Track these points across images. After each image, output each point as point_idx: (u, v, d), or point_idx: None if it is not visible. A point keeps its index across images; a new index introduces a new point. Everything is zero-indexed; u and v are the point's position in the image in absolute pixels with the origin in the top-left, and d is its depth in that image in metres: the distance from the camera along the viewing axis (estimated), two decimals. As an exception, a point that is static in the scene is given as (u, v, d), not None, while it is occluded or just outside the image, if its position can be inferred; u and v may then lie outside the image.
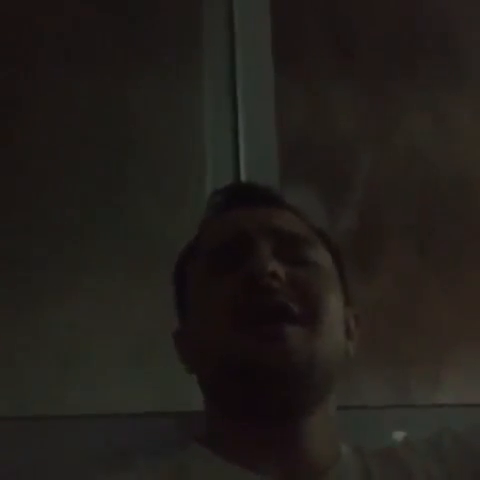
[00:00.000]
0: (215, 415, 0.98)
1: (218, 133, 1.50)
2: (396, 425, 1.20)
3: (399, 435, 1.10)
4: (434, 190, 1.69)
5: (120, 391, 1.30)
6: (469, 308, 1.63)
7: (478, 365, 1.59)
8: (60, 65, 1.43)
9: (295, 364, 0.89)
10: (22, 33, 1.43)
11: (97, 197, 1.40)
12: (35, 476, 1.13)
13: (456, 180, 1.71)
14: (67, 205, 1.38)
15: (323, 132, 1.61)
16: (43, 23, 1.44)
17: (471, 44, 1.80)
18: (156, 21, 1.53)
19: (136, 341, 1.34)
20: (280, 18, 1.58)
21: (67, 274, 1.34)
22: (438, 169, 1.70)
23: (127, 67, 1.47)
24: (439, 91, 1.74)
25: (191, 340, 1.00)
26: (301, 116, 1.59)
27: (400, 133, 1.68)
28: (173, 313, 1.07)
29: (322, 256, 1.01)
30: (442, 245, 1.65)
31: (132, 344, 1.33)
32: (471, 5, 1.82)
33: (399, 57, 1.73)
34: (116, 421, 1.23)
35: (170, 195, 1.45)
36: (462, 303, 1.62)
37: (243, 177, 1.46)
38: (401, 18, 1.75)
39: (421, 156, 1.70)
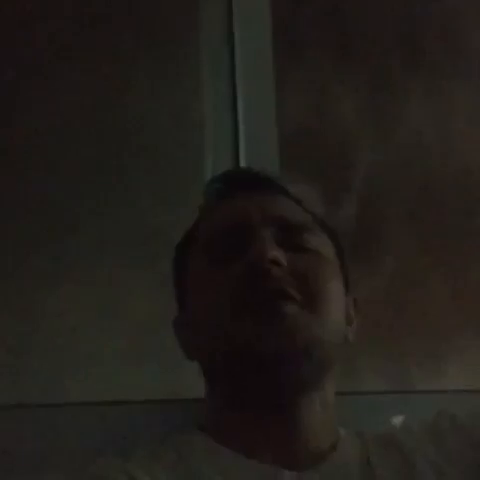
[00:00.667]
0: (216, 401, 0.98)
1: (218, 127, 1.50)
2: (395, 411, 1.20)
3: (398, 419, 1.10)
4: (435, 179, 1.69)
5: (120, 378, 1.30)
6: (470, 296, 1.63)
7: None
8: (58, 59, 1.42)
9: (295, 343, 0.90)
10: (20, 24, 1.42)
11: (94, 187, 1.40)
12: (34, 463, 1.14)
13: (456, 169, 1.71)
14: (66, 198, 1.38)
15: (323, 123, 1.61)
16: (42, 14, 1.43)
17: (473, 38, 1.79)
18: (154, 12, 1.52)
19: (136, 328, 1.34)
20: (280, 10, 1.57)
21: (66, 263, 1.34)
22: (439, 159, 1.70)
23: (125, 58, 1.47)
24: (440, 84, 1.74)
25: (192, 326, 1.00)
26: (301, 108, 1.59)
27: (401, 128, 1.68)
28: (173, 300, 1.07)
29: (322, 243, 1.01)
30: (443, 233, 1.65)
31: (132, 331, 1.34)
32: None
33: (400, 51, 1.73)
34: (116, 408, 1.23)
35: (169, 189, 1.45)
36: (463, 291, 1.62)
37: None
38: (402, 11, 1.75)
39: (421, 150, 1.70)
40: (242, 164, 1.46)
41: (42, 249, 1.34)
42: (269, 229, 0.97)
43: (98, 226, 1.38)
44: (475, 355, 1.59)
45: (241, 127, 1.48)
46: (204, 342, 0.97)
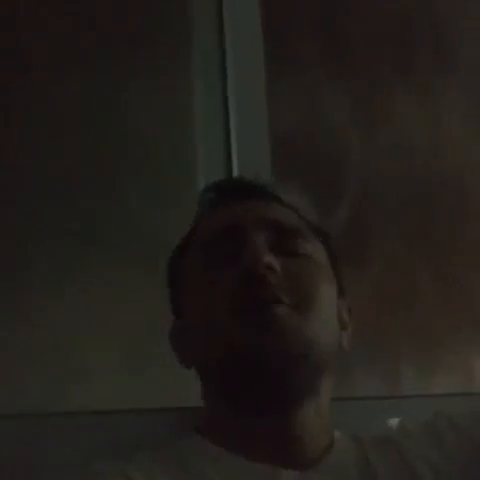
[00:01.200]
0: (213, 405, 0.99)
1: (209, 133, 1.51)
2: (390, 416, 1.21)
3: (394, 421, 1.11)
4: (427, 187, 1.70)
5: (117, 387, 1.31)
6: (461, 298, 1.64)
7: (472, 353, 1.60)
8: (53, 66, 1.43)
9: (291, 346, 0.91)
10: (18, 32, 1.43)
11: (90, 195, 1.41)
12: (33, 472, 1.14)
13: (447, 169, 1.71)
14: (61, 204, 1.38)
15: (315, 127, 1.61)
16: (37, 24, 1.44)
17: (464, 39, 1.80)
18: (146, 17, 1.53)
19: (133, 337, 1.34)
20: (270, 14, 1.58)
21: (63, 271, 1.34)
22: (431, 166, 1.71)
23: (118, 65, 1.48)
24: (431, 86, 1.74)
25: (188, 333, 1.01)
26: (293, 111, 1.59)
27: (393, 130, 1.69)
28: (169, 310, 1.08)
29: (314, 248, 1.02)
30: (433, 235, 1.66)
31: (129, 340, 1.34)
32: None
33: (391, 52, 1.73)
34: (114, 417, 1.23)
35: (162, 195, 1.45)
36: (454, 293, 1.63)
37: (235, 174, 1.46)
38: (393, 12, 1.76)
39: (414, 153, 1.70)
40: (234, 169, 1.46)
41: (42, 260, 1.34)
42: (263, 233, 0.98)
43: (96, 238, 1.38)
44: (467, 358, 1.60)
45: (233, 132, 1.49)
46: (200, 346, 0.98)
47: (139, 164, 1.45)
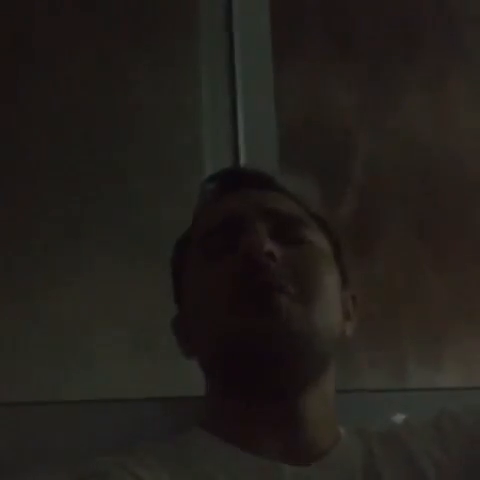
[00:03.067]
0: (215, 397, 0.98)
1: (216, 119, 1.50)
2: (396, 409, 1.20)
3: (399, 417, 1.10)
4: (433, 173, 1.69)
5: (120, 377, 1.31)
6: (469, 292, 1.63)
7: (478, 347, 1.59)
8: (58, 54, 1.42)
9: (292, 333, 0.90)
10: (19, 18, 1.42)
11: (95, 184, 1.40)
12: (34, 462, 1.14)
13: (454, 161, 1.70)
14: (66, 192, 1.38)
15: (322, 116, 1.61)
16: (40, 15, 1.43)
17: (471, 30, 1.79)
18: (151, 10, 1.52)
19: (136, 326, 1.34)
20: (278, 3, 1.57)
21: (67, 260, 1.34)
22: (436, 153, 1.70)
23: (125, 51, 1.47)
24: (438, 74, 1.73)
25: (189, 323, 1.00)
26: (300, 99, 1.59)
27: (399, 117, 1.68)
28: (172, 300, 1.08)
29: (317, 236, 1.01)
30: (442, 225, 1.65)
31: (132, 330, 1.34)
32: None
33: (399, 41, 1.72)
34: (116, 407, 1.23)
35: (170, 184, 1.45)
36: (461, 286, 1.62)
37: (242, 163, 1.45)
38: (402, 2, 1.75)
39: (420, 140, 1.69)
40: (242, 160, 1.46)
41: (43, 250, 1.34)
42: (264, 222, 0.97)
43: (99, 226, 1.38)
44: (474, 351, 1.59)
45: (240, 122, 1.48)
46: (201, 335, 0.97)
47: (147, 161, 1.44)
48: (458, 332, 1.58)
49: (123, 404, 1.25)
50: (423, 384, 1.52)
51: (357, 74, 1.66)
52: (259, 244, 0.93)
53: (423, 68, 1.73)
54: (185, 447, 0.94)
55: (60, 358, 1.29)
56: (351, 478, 0.92)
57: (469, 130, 1.74)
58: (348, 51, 1.66)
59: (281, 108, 1.51)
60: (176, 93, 1.49)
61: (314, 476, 0.91)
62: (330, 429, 0.97)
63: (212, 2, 1.54)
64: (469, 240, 1.67)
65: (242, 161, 1.46)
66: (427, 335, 1.57)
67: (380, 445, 0.97)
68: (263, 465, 0.91)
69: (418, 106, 1.70)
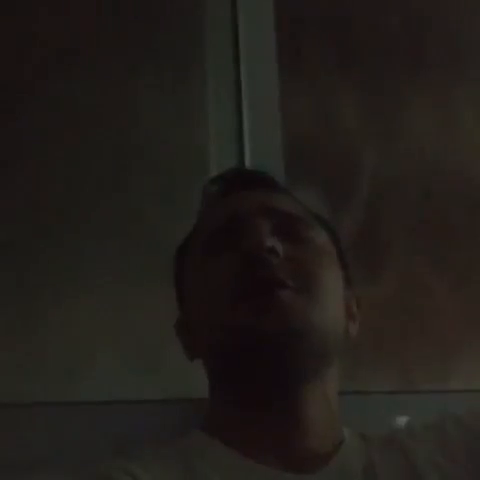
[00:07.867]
0: (218, 401, 0.97)
1: (223, 130, 1.50)
2: (399, 411, 1.20)
3: (402, 420, 1.10)
4: (439, 189, 1.69)
5: (123, 379, 1.30)
6: (473, 298, 1.62)
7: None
8: (63, 64, 1.42)
9: (292, 328, 0.90)
10: (21, 32, 1.42)
11: (98, 194, 1.40)
12: (35, 462, 1.14)
13: (459, 177, 1.70)
14: (68, 202, 1.38)
15: (327, 130, 1.61)
16: (44, 23, 1.43)
17: (477, 43, 1.79)
18: (159, 16, 1.52)
19: (141, 332, 1.34)
20: (283, 17, 1.57)
21: (77, 272, 1.34)
22: (442, 168, 1.70)
23: (131, 61, 1.47)
24: (443, 90, 1.73)
25: (192, 323, 1.00)
26: (306, 113, 1.59)
27: (404, 130, 1.69)
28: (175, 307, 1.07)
29: (319, 234, 1.01)
30: (447, 238, 1.65)
31: (137, 336, 1.34)
32: (473, 2, 1.81)
33: (404, 57, 1.73)
34: (119, 408, 1.23)
35: (174, 193, 1.45)
36: (468, 300, 1.62)
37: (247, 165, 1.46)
38: (402, 16, 1.74)
39: (425, 151, 1.69)
40: (247, 163, 1.45)
41: (58, 264, 1.34)
42: (266, 219, 0.97)
43: (105, 233, 1.38)
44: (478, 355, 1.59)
45: (246, 131, 1.48)
46: (203, 335, 0.97)
47: (151, 166, 1.43)
48: (464, 335, 1.58)
49: (125, 406, 1.24)
50: (428, 387, 1.51)
51: (362, 90, 1.66)
52: (260, 240, 0.93)
53: (429, 85, 1.73)
54: (186, 451, 0.93)
55: (62, 360, 1.29)
56: None
57: (475, 146, 1.73)
58: (353, 67, 1.67)
59: (287, 123, 1.51)
60: (181, 96, 1.49)
61: None
62: (333, 432, 0.96)
63: (219, 17, 1.54)
64: (476, 253, 1.66)
65: (247, 164, 1.45)
66: (432, 339, 1.56)
67: (381, 451, 0.96)
68: (263, 472, 0.89)
69: (423, 123, 1.70)
